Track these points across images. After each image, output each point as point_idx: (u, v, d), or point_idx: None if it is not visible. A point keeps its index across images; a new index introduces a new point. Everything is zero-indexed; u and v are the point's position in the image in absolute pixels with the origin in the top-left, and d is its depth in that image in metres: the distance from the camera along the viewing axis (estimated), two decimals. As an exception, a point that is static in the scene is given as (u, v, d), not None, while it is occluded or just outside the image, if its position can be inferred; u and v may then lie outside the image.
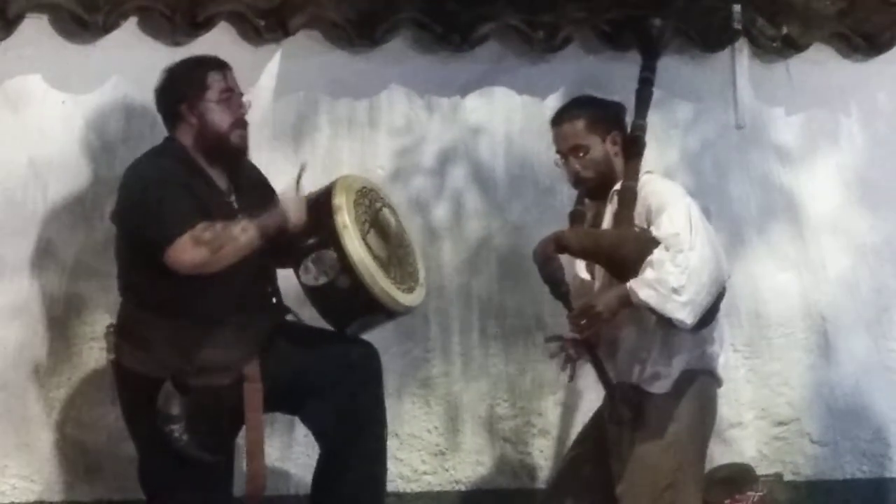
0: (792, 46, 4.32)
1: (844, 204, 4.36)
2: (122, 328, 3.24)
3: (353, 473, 3.23)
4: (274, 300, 3.35)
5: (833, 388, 4.28)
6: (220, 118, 3.25)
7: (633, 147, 3.31)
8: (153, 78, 3.34)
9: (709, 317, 3.13)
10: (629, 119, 3.37)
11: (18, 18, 3.74)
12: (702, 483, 3.32)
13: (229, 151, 3.27)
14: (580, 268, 3.41)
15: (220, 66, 3.31)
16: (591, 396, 3.92)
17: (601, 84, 3.92)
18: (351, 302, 3.25)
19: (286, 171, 3.79)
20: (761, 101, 4.37)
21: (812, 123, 4.39)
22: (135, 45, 3.87)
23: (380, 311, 3.30)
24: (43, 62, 3.83)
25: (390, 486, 3.61)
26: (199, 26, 3.85)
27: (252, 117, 3.41)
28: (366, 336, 3.38)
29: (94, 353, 3.75)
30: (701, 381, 3.25)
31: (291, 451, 3.87)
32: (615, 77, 4.03)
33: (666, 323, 3.07)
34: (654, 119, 3.39)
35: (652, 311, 3.05)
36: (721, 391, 3.36)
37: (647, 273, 3.03)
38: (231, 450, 3.30)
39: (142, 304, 3.21)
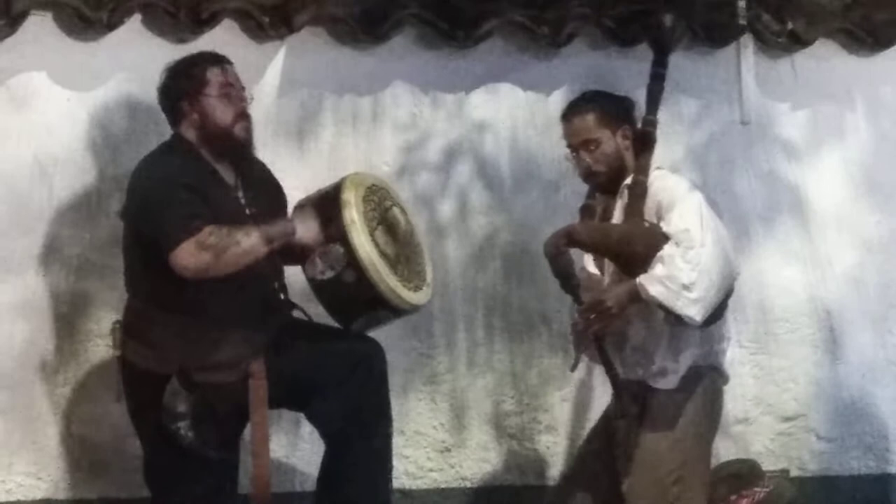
0: (797, 42, 4.30)
1: (850, 199, 4.35)
2: (129, 325, 3.24)
3: (359, 470, 3.23)
4: (281, 296, 3.34)
5: (839, 383, 4.27)
6: (221, 112, 3.26)
7: (643, 142, 3.30)
8: (157, 75, 3.35)
9: (717, 313, 3.13)
10: (639, 114, 3.36)
11: (23, 16, 3.73)
12: (708, 479, 3.32)
13: (234, 145, 3.28)
14: (588, 262, 3.41)
15: (218, 60, 3.32)
16: (598, 392, 3.94)
17: (606, 80, 3.91)
18: (356, 297, 3.25)
19: (290, 167, 3.82)
20: (767, 97, 4.35)
21: (817, 118, 4.37)
22: (139, 43, 3.86)
23: (385, 307, 3.30)
24: (47, 59, 3.82)
25: (396, 483, 3.60)
26: (203, 23, 3.85)
27: (256, 114, 3.41)
28: (371, 333, 3.39)
29: (100, 350, 3.75)
30: (707, 378, 3.25)
31: (297, 447, 3.87)
32: (620, 73, 4.03)
33: (675, 319, 3.06)
34: (659, 115, 3.37)
35: (662, 307, 3.04)
36: (727, 387, 3.37)
37: (658, 269, 3.03)
38: (236, 447, 3.31)
39: (148, 301, 3.21)
